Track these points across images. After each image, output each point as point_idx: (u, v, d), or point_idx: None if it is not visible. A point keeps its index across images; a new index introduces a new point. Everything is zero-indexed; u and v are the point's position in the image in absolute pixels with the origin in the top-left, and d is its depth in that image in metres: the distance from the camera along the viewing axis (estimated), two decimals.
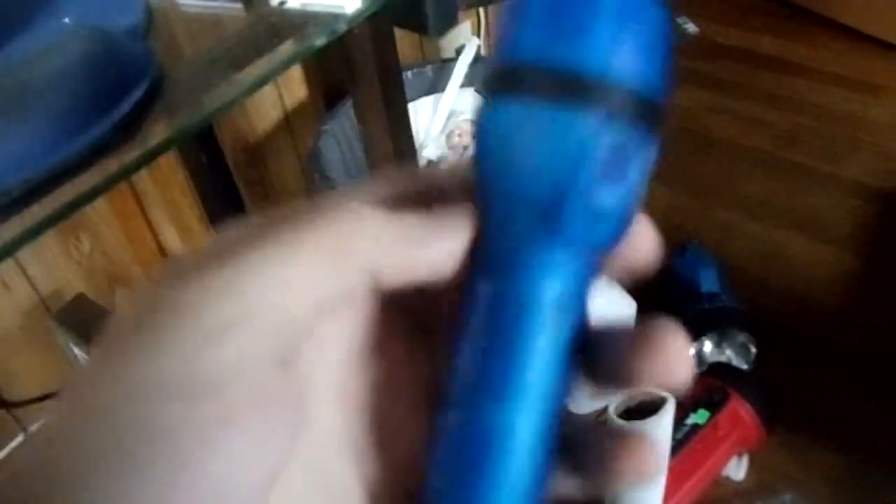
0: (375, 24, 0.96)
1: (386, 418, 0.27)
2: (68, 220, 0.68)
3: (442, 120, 1.80)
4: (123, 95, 0.71)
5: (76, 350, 1.20)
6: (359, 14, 0.84)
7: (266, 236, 0.23)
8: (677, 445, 1.33)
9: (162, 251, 1.66)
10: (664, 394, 1.20)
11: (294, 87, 1.71)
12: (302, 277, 0.23)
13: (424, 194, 0.27)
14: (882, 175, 2.04)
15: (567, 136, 0.23)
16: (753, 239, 1.91)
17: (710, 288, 1.59)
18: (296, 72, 1.70)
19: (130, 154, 0.71)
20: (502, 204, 0.25)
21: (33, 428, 1.50)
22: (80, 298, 1.26)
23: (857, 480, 1.42)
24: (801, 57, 2.46)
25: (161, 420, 0.20)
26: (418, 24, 1.05)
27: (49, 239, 1.40)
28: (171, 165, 1.50)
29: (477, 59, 1.82)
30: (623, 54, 0.23)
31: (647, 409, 1.21)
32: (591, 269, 0.25)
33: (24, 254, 1.36)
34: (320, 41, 0.83)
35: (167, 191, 1.56)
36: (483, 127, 0.25)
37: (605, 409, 1.23)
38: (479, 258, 0.25)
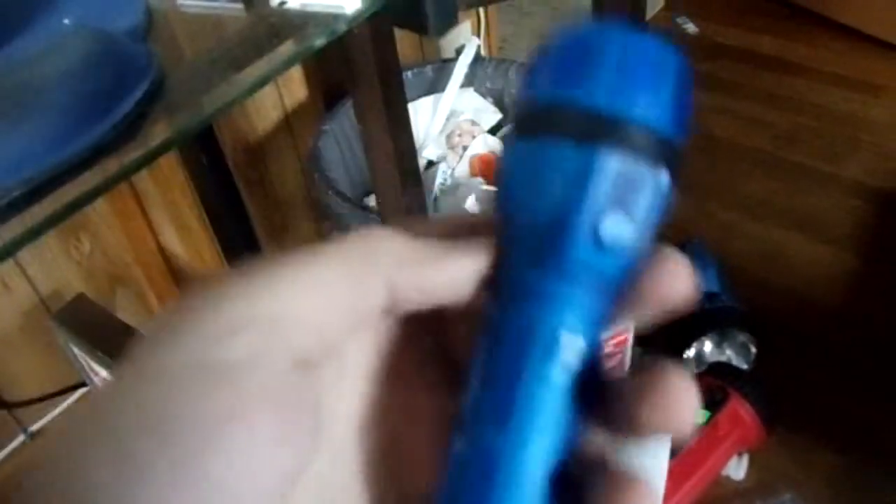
0: (375, 24, 0.96)
1: (402, 444, 0.27)
2: (68, 220, 0.68)
3: (442, 120, 1.80)
4: (124, 96, 0.71)
5: (76, 350, 1.20)
6: (359, 14, 0.84)
7: (297, 256, 0.24)
8: (677, 445, 1.33)
9: (162, 251, 1.66)
10: None
11: (294, 88, 1.72)
12: (321, 285, 0.24)
13: (452, 230, 0.28)
14: (882, 175, 2.04)
15: (570, 168, 0.24)
16: (753, 239, 1.91)
17: (711, 288, 1.59)
18: (296, 72, 1.70)
19: (131, 154, 0.71)
20: (513, 233, 0.25)
21: (34, 428, 1.50)
22: (80, 299, 1.26)
23: (856, 480, 1.42)
24: (801, 57, 2.46)
25: (166, 414, 0.20)
26: (418, 24, 1.05)
27: (49, 239, 1.40)
28: (171, 166, 1.50)
29: (477, 59, 1.82)
30: (632, 94, 0.24)
31: None
32: (602, 303, 0.25)
33: (25, 254, 1.36)
34: (320, 41, 0.83)
35: (167, 191, 1.56)
36: (501, 162, 0.26)
37: None
38: (494, 288, 0.26)
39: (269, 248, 1.65)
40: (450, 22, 1.05)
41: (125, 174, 0.72)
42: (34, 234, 0.65)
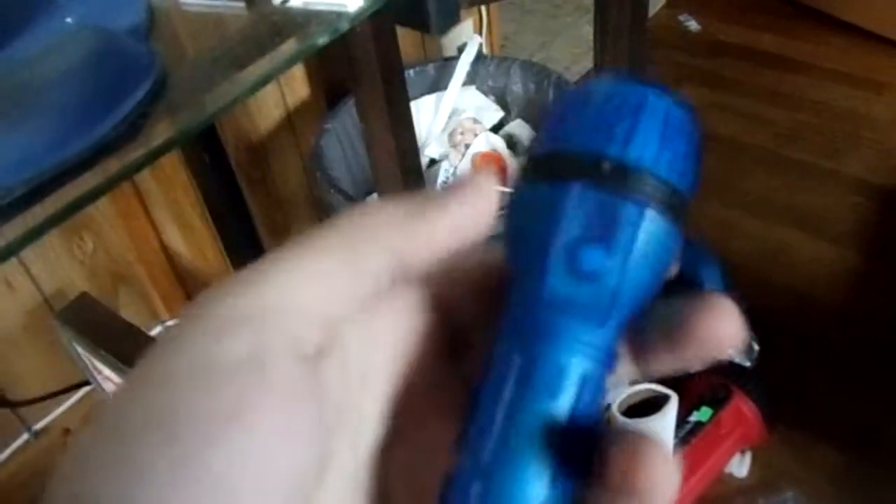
0: (377, 23, 0.96)
1: (413, 468, 0.27)
2: (71, 219, 0.68)
3: (444, 118, 1.80)
4: (126, 95, 0.71)
5: (79, 349, 1.21)
6: (361, 12, 0.84)
7: (293, 243, 0.24)
8: (680, 443, 1.33)
9: (165, 250, 1.66)
10: (667, 391, 1.20)
11: (296, 86, 1.72)
12: (320, 272, 0.23)
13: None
14: (884, 172, 2.04)
15: (543, 203, 0.25)
16: (755, 237, 1.91)
17: (713, 286, 1.59)
18: (298, 71, 1.70)
19: (133, 154, 0.71)
20: (515, 264, 0.26)
21: (38, 426, 1.51)
22: (83, 297, 1.26)
23: (858, 477, 1.42)
24: (803, 54, 2.45)
25: (169, 415, 0.20)
26: (420, 22, 1.05)
27: (52, 238, 1.40)
28: (173, 165, 1.50)
29: (479, 57, 1.82)
30: (634, 140, 0.25)
31: (650, 406, 1.21)
32: (601, 337, 0.25)
33: (28, 253, 1.37)
34: (323, 40, 0.83)
35: (170, 190, 1.56)
36: (510, 200, 0.27)
37: (608, 407, 1.23)
38: (498, 325, 0.26)
39: (272, 247, 1.65)
40: (452, 20, 1.05)
41: (127, 173, 0.72)
42: (37, 233, 0.65)
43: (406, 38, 1.87)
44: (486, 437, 0.24)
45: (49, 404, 1.48)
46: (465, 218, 0.25)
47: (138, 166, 0.72)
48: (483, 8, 2.04)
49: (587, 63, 2.43)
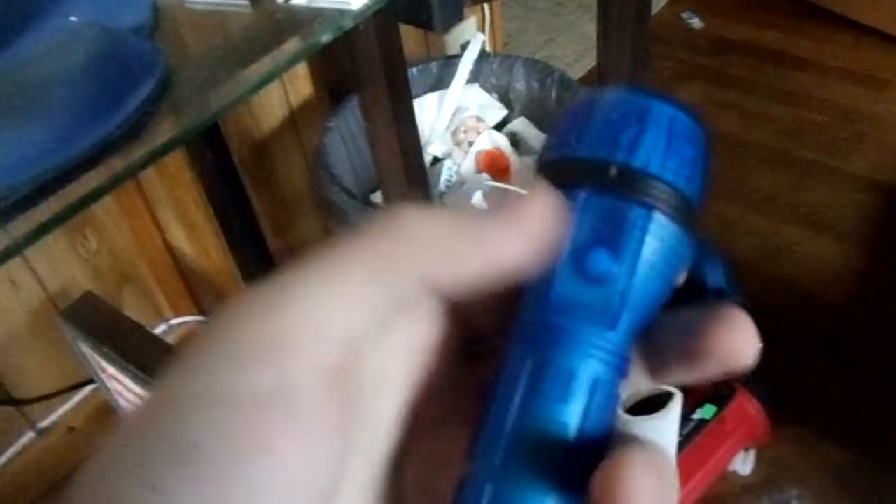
0: (380, 21, 0.96)
1: (427, 477, 0.26)
2: (75, 218, 0.68)
3: (447, 116, 1.80)
4: (130, 93, 0.71)
5: (84, 347, 1.21)
6: (365, 10, 0.84)
7: (321, 254, 0.23)
8: (684, 440, 1.33)
9: (169, 249, 1.66)
10: (671, 389, 1.20)
11: (299, 85, 1.72)
12: (349, 291, 0.22)
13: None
14: (888, 170, 2.04)
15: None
16: (759, 234, 1.91)
17: (717, 283, 1.59)
18: (301, 69, 1.70)
19: (137, 152, 0.71)
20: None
21: (42, 424, 1.51)
22: (87, 296, 1.26)
23: (862, 475, 1.42)
24: (807, 51, 2.45)
25: (191, 443, 0.20)
26: (423, 20, 1.05)
27: (56, 237, 1.40)
28: (177, 163, 1.50)
29: (482, 54, 1.82)
30: (643, 148, 0.26)
31: (654, 404, 1.21)
32: (612, 342, 0.25)
33: (32, 251, 1.37)
34: (326, 38, 0.83)
35: (174, 188, 1.56)
36: None
37: None
38: (513, 323, 0.26)
39: (276, 245, 1.65)
40: (455, 18, 1.05)
41: (132, 172, 0.72)
42: (42, 232, 0.65)
43: (409, 36, 1.87)
44: (497, 443, 0.24)
45: (54, 403, 1.49)
46: (508, 250, 0.24)
47: (142, 165, 0.72)
48: (486, 5, 2.04)
49: (590, 60, 2.43)
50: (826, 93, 2.30)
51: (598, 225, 0.25)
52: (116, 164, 0.69)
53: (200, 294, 1.76)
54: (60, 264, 1.44)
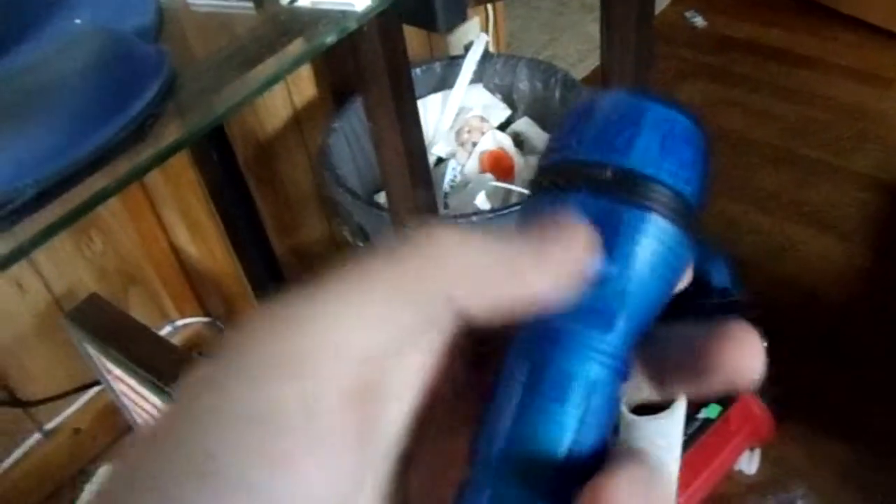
0: (384, 22, 0.96)
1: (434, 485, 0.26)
2: (81, 220, 0.68)
3: (451, 116, 1.80)
4: (135, 96, 0.72)
5: (90, 349, 1.21)
6: (369, 11, 0.84)
7: (350, 272, 0.23)
8: (689, 440, 1.33)
9: (174, 250, 1.66)
10: None
11: (303, 86, 1.72)
12: (373, 311, 0.22)
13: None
14: (892, 168, 2.03)
15: (548, 211, 0.26)
16: (762, 232, 1.90)
17: (721, 282, 1.59)
18: (305, 70, 1.70)
19: (143, 154, 0.71)
20: None
21: (49, 426, 1.51)
22: (93, 298, 1.26)
23: (868, 474, 1.42)
24: (810, 49, 2.45)
25: (212, 459, 0.20)
26: (427, 21, 1.06)
27: (62, 239, 1.41)
28: (182, 164, 1.50)
29: (485, 55, 1.82)
30: (641, 150, 0.26)
31: (659, 404, 1.21)
32: (611, 344, 0.25)
33: (38, 253, 1.37)
34: (331, 39, 0.83)
35: (178, 190, 1.57)
36: (525, 208, 0.27)
37: None
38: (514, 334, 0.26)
39: (280, 246, 1.66)
40: (459, 18, 1.06)
41: (137, 174, 0.72)
42: (48, 234, 0.65)
43: (413, 37, 1.87)
44: (494, 446, 0.24)
45: (60, 404, 1.49)
46: (539, 285, 0.24)
47: (148, 167, 0.72)
48: (489, 6, 2.04)
49: (594, 60, 2.43)
50: (830, 91, 2.30)
51: (595, 227, 0.25)
52: (122, 166, 0.70)
53: (206, 295, 1.76)
54: (66, 266, 1.44)
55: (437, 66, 1.83)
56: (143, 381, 1.12)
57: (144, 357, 1.13)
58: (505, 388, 0.25)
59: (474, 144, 1.74)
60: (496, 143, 1.74)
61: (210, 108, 0.78)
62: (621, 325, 0.25)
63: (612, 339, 0.25)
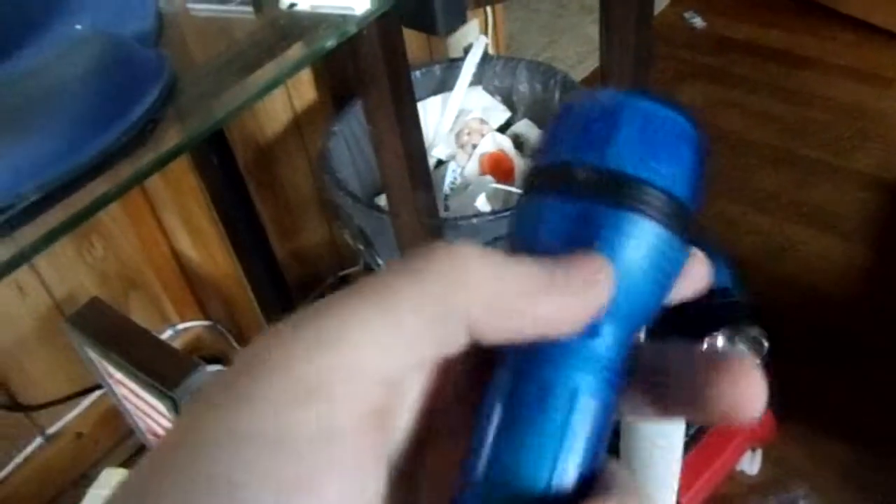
0: (384, 25, 0.96)
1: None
2: (82, 224, 0.68)
3: (451, 119, 1.80)
4: (135, 101, 0.72)
5: (90, 353, 1.21)
6: (368, 15, 0.84)
7: (368, 289, 0.22)
8: (691, 441, 1.33)
9: (175, 254, 1.67)
10: None
11: (303, 89, 1.72)
12: (394, 333, 0.22)
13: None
14: (892, 168, 2.03)
15: (527, 215, 0.26)
16: (762, 233, 1.91)
17: (722, 283, 1.59)
18: (304, 74, 1.70)
19: (143, 159, 0.71)
20: None
21: (50, 430, 1.51)
22: (94, 302, 1.26)
23: (870, 474, 1.42)
24: (810, 50, 2.45)
25: (232, 482, 0.20)
26: (426, 24, 1.05)
27: (63, 243, 1.41)
28: (182, 169, 1.50)
29: (485, 57, 1.83)
30: (634, 153, 0.25)
31: None
32: (597, 354, 0.24)
33: (39, 258, 1.37)
34: (331, 43, 0.83)
35: (179, 194, 1.57)
36: (515, 212, 0.27)
37: None
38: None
39: (281, 250, 1.66)
40: (458, 21, 1.05)
41: (138, 179, 0.72)
42: (49, 240, 0.65)
43: (412, 39, 1.87)
44: (482, 454, 0.24)
45: (61, 408, 1.49)
46: (557, 317, 0.24)
47: (148, 172, 0.72)
48: (489, 8, 2.04)
49: (593, 62, 2.43)
50: (829, 91, 2.30)
51: (574, 229, 0.24)
52: (123, 171, 0.70)
53: (206, 299, 1.76)
54: (67, 271, 1.44)
55: (437, 69, 1.84)
56: (145, 384, 1.12)
57: (145, 361, 1.13)
58: (490, 397, 0.25)
59: (474, 146, 1.74)
60: (496, 145, 1.74)
61: (210, 113, 0.78)
62: (607, 330, 0.24)
63: (598, 345, 0.24)
